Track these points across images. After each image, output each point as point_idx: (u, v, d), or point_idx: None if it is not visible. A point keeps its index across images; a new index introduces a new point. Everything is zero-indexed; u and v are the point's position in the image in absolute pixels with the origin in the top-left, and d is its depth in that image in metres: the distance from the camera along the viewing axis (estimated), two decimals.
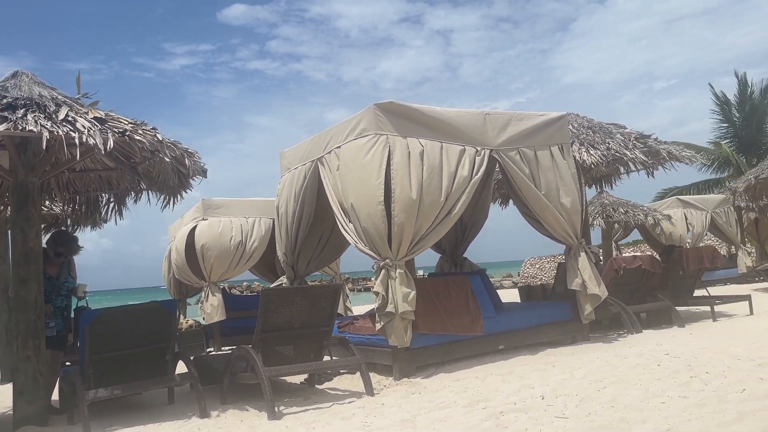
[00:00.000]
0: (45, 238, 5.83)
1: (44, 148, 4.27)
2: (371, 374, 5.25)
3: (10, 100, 4.48)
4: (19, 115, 4.28)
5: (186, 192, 5.93)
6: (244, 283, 43.11)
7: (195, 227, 8.81)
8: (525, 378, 4.92)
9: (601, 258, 9.46)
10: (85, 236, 7.26)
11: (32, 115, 4.32)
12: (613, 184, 10.70)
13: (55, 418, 5.07)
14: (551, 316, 6.71)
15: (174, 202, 6.04)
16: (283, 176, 7.22)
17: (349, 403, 4.77)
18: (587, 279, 6.50)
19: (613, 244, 14.71)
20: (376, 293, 5.49)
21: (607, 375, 4.69)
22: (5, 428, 4.91)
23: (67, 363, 5.88)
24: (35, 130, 4.18)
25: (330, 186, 6.08)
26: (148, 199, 6.10)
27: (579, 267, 6.54)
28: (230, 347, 8.53)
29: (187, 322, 8.79)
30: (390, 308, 5.40)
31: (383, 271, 5.47)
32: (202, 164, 5.51)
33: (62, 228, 6.61)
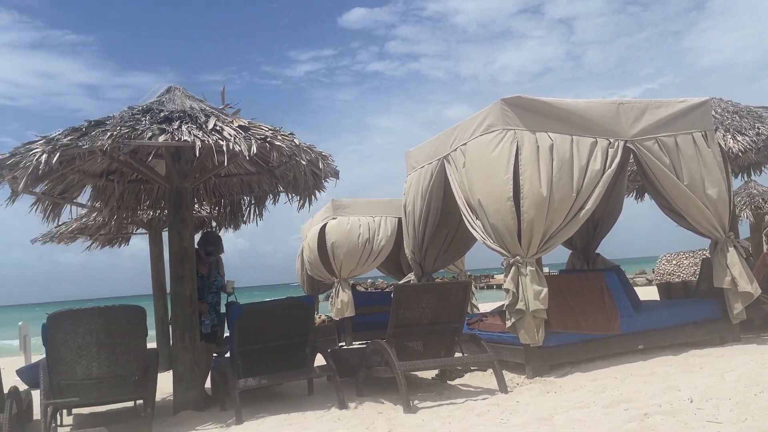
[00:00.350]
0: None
1: (196, 155, 4.66)
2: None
3: (166, 113, 4.93)
4: (175, 127, 4.70)
5: (320, 193, 6.24)
6: (368, 281, 44.20)
7: (325, 226, 9.20)
8: (669, 379, 4.66)
9: (751, 252, 8.72)
10: (224, 237, 7.97)
11: (186, 127, 4.74)
12: (763, 173, 9.83)
13: (209, 404, 5.51)
14: (696, 315, 6.30)
15: (309, 203, 6.37)
16: (409, 175, 7.34)
17: (483, 399, 4.77)
18: (737, 275, 6.03)
19: (764, 238, 13.47)
20: (506, 290, 5.45)
21: (764, 379, 4.34)
22: (167, 411, 5.40)
23: (214, 354, 6.37)
24: (189, 139, 4.58)
25: (456, 183, 6.10)
26: (289, 200, 6.43)
27: (728, 263, 6.08)
28: (360, 342, 8.81)
29: (319, 317, 9.19)
30: (521, 306, 5.33)
31: (513, 268, 5.41)
32: (335, 166, 5.76)
33: (209, 229, 7.12)
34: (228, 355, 6.12)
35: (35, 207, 5.86)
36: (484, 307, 10.60)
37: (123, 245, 10.24)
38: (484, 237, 5.68)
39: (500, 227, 5.43)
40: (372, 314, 9.37)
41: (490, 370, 5.54)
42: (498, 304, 7.91)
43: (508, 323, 5.44)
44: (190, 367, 5.37)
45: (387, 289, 19.90)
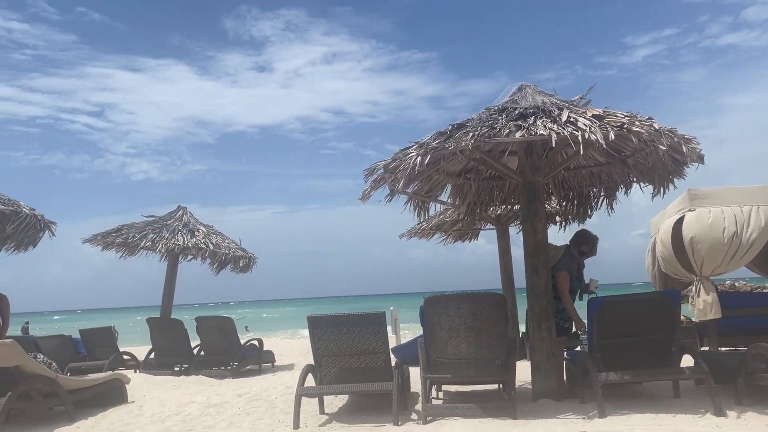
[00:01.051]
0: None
1: (552, 148, 4.73)
2: None
3: (521, 110, 5.13)
4: (530, 122, 4.86)
5: (678, 181, 5.77)
6: (727, 282, 39.00)
7: (681, 219, 8.41)
8: None
9: None
10: (559, 232, 8.01)
11: (540, 121, 4.86)
12: None
13: (566, 395, 5.53)
14: None
15: (664, 192, 5.94)
16: None
17: None
18: None
19: None
20: None
21: None
22: (525, 398, 5.59)
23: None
24: (545, 133, 4.68)
25: None
26: (642, 189, 6.10)
27: None
28: (726, 348, 7.85)
29: None
30: None
31: None
32: (699, 150, 5.26)
33: (584, 228, 6.68)
34: (578, 349, 6.08)
35: (407, 205, 6.67)
36: None
37: (472, 240, 11.01)
38: None
39: None
40: (740, 317, 8.23)
41: None
42: None
43: None
44: (546, 357, 5.47)
45: (756, 290, 17.34)
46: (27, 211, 6.73)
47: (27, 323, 24.26)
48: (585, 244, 5.96)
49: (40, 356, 6.02)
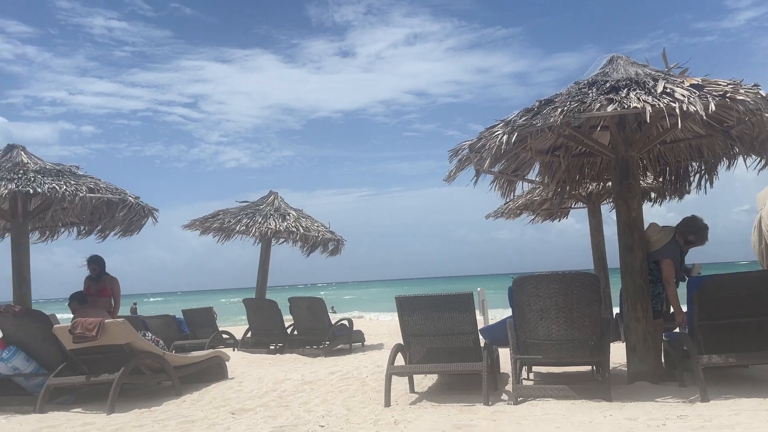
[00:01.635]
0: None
1: (646, 121, 4.52)
2: None
3: (612, 83, 4.92)
4: (623, 95, 4.65)
5: None
6: None
7: None
8: None
9: None
10: (653, 211, 7.57)
11: (634, 93, 4.64)
12: None
13: (665, 378, 5.32)
14: None
15: None
16: None
17: None
18: None
19: None
20: None
21: None
22: (620, 380, 5.42)
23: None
24: (638, 106, 4.47)
25: None
26: (747, 163, 5.73)
27: None
28: None
29: None
30: None
31: None
32: None
33: (694, 215, 6.20)
34: (677, 330, 5.81)
35: (493, 185, 6.58)
36: None
37: (562, 219, 10.74)
38: None
39: None
40: None
41: None
42: None
43: None
44: (642, 338, 5.28)
45: None
46: (132, 199, 7.18)
47: (135, 304, 25.91)
48: (693, 233, 5.60)
49: (149, 334, 6.47)
